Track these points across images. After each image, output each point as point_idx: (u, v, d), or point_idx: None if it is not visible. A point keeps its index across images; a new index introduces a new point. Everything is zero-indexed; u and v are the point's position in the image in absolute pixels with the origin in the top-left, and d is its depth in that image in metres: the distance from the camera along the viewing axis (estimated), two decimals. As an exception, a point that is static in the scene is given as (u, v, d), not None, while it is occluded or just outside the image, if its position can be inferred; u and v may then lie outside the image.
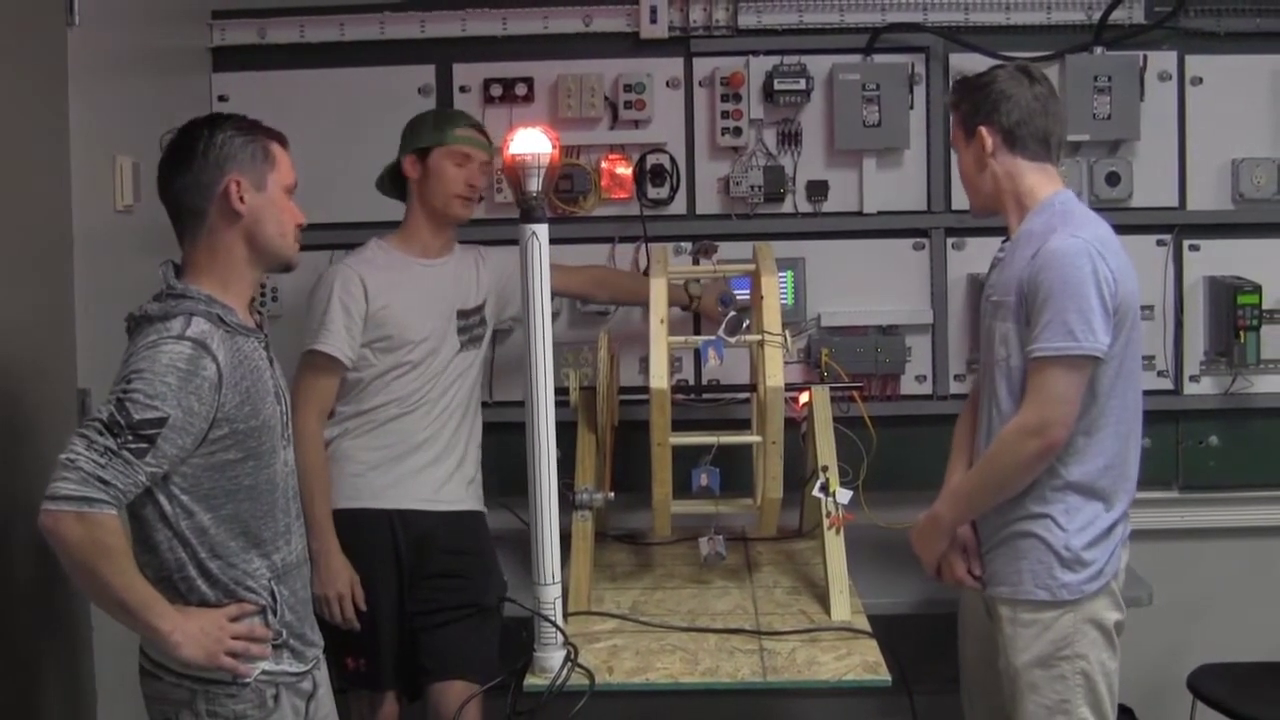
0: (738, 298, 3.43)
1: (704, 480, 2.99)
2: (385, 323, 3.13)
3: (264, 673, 2.30)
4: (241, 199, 2.30)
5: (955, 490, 2.83)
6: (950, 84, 3.69)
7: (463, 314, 3.25)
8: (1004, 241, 2.88)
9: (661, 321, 2.97)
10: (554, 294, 3.58)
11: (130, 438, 2.11)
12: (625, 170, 3.80)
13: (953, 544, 2.83)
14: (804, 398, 3.32)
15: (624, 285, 3.64)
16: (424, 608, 3.14)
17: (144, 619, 2.17)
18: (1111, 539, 2.70)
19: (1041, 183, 2.77)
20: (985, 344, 2.84)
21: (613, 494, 3.12)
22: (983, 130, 2.76)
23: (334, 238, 3.62)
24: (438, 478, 3.19)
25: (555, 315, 3.65)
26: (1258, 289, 3.65)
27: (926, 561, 2.88)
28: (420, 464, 3.17)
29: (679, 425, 2.98)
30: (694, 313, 3.59)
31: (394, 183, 3.32)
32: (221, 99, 3.83)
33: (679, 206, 3.83)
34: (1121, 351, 2.65)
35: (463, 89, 3.82)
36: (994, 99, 2.76)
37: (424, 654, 3.12)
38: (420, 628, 3.13)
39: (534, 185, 2.53)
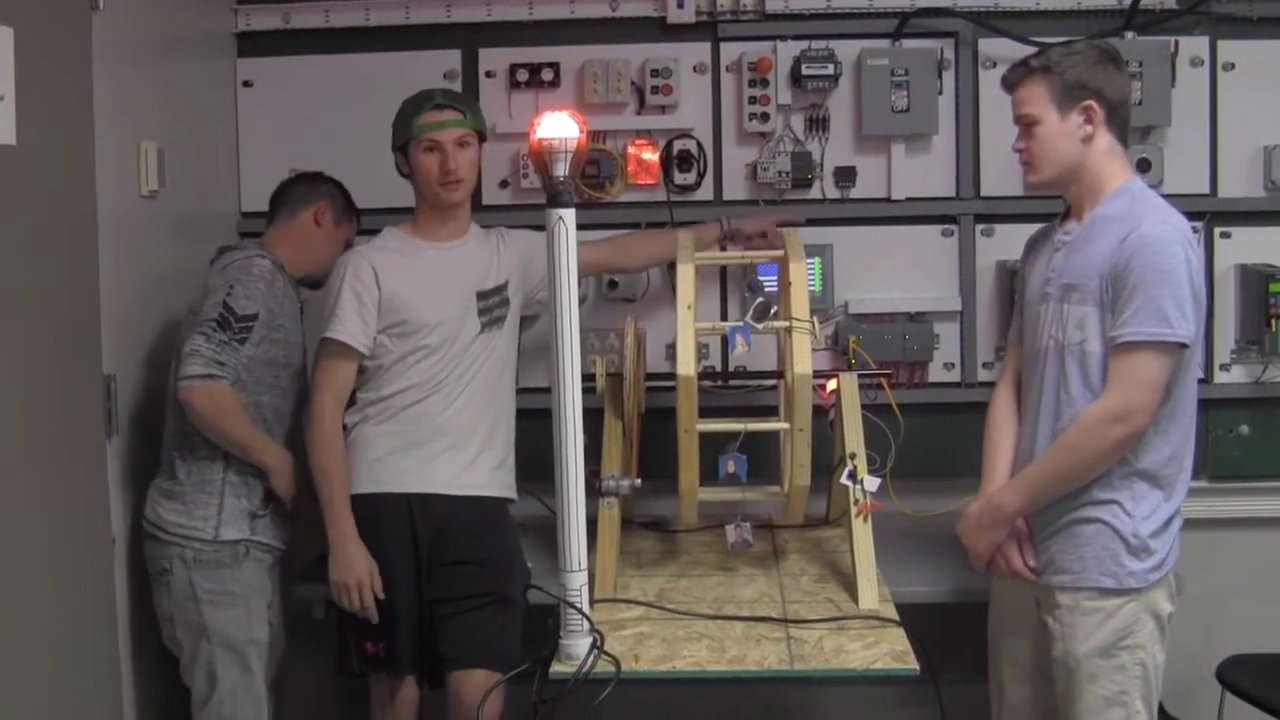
0: (765, 284, 3.41)
1: (731, 467, 2.97)
2: (399, 308, 3.12)
3: (245, 540, 3.07)
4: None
5: (1024, 478, 2.76)
6: (964, 56, 3.73)
7: (482, 295, 3.22)
8: (1060, 221, 2.84)
9: (689, 308, 2.95)
10: (582, 272, 3.59)
11: (237, 329, 2.99)
12: (652, 156, 3.78)
13: (1008, 535, 2.79)
14: (831, 385, 3.30)
15: (649, 245, 3.58)
16: (443, 594, 3.11)
17: (256, 455, 3.07)
18: (1171, 529, 2.69)
19: (1121, 167, 2.75)
20: (1043, 328, 2.78)
21: (639, 481, 3.10)
22: (1093, 104, 2.70)
23: (359, 223, 3.61)
24: (460, 462, 3.16)
25: (582, 300, 3.63)
26: (1290, 277, 3.61)
27: (979, 554, 2.83)
28: (440, 448, 3.15)
29: (706, 412, 2.97)
30: (730, 239, 3.57)
31: None
32: (246, 84, 3.83)
33: (706, 192, 3.81)
34: (1194, 344, 2.63)
35: (488, 74, 3.80)
36: (1107, 73, 2.71)
37: (444, 642, 3.10)
38: (440, 615, 3.11)
39: (561, 170, 2.52)
